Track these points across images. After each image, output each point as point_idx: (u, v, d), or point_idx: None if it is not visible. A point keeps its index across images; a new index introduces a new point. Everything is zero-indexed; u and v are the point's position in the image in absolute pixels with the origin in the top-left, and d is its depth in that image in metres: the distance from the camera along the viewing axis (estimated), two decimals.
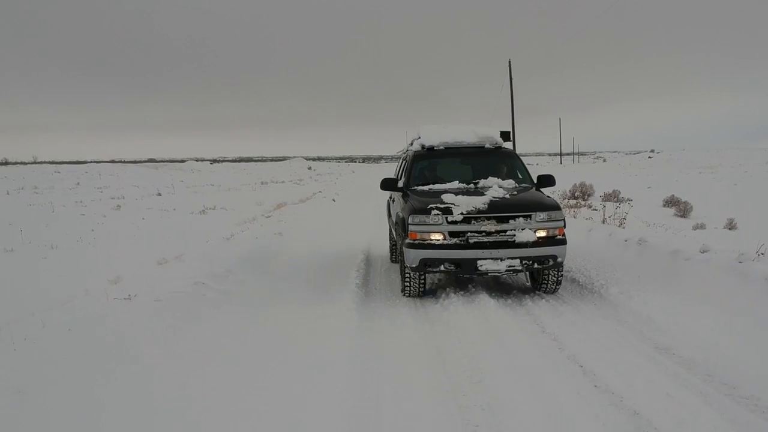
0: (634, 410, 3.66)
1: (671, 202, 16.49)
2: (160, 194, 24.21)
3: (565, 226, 6.61)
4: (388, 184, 7.74)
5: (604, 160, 72.61)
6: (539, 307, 6.26)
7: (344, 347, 4.67)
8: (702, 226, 12.40)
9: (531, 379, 4.13)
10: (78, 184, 30.92)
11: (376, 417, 3.67)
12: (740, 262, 5.76)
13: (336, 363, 4.35)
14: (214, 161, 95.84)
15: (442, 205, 6.41)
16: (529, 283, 7.36)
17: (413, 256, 6.40)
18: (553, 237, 6.46)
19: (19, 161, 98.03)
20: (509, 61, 31.72)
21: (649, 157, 66.43)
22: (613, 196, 18.48)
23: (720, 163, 53.13)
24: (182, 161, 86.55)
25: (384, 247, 10.45)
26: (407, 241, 6.49)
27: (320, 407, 3.66)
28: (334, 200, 22.68)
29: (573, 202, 17.38)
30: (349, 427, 3.49)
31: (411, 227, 6.43)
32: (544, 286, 6.78)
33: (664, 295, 6.10)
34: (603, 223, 11.19)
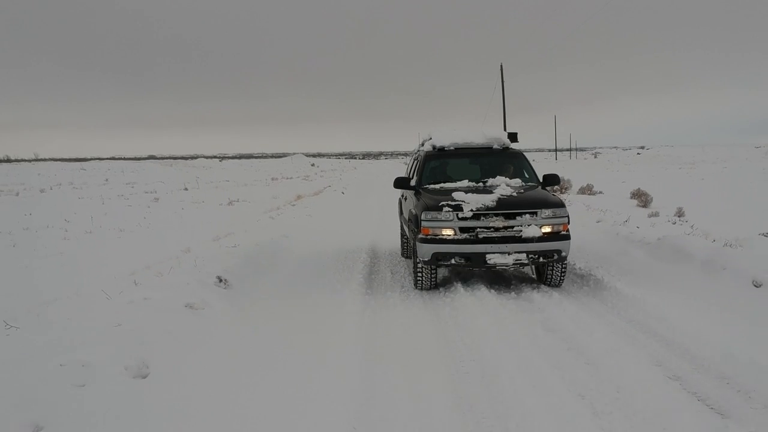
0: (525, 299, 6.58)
1: (636, 194, 18.47)
2: (186, 189, 26.35)
3: (569, 222, 6.83)
4: (401, 183, 8.00)
5: (595, 157, 75.12)
6: None
7: (367, 265, 8.69)
8: (656, 214, 14.56)
9: (476, 294, 6.94)
10: (107, 180, 33.17)
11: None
12: (612, 226, 8.80)
13: (361, 269, 8.16)
14: (222, 158, 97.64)
15: (453, 203, 6.66)
16: (534, 276, 7.66)
17: (426, 250, 6.68)
18: (558, 233, 6.68)
19: (21, 158, 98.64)
20: (501, 65, 33.80)
21: (638, 154, 68.87)
22: (587, 189, 20.67)
23: (703, 159, 55.19)
24: (183, 158, 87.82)
25: (387, 223, 13.38)
26: (420, 236, 6.77)
27: (351, 302, 6.55)
28: (343, 193, 25.42)
29: None
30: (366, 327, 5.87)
31: (424, 223, 6.72)
32: (549, 279, 7.04)
33: None
34: None
